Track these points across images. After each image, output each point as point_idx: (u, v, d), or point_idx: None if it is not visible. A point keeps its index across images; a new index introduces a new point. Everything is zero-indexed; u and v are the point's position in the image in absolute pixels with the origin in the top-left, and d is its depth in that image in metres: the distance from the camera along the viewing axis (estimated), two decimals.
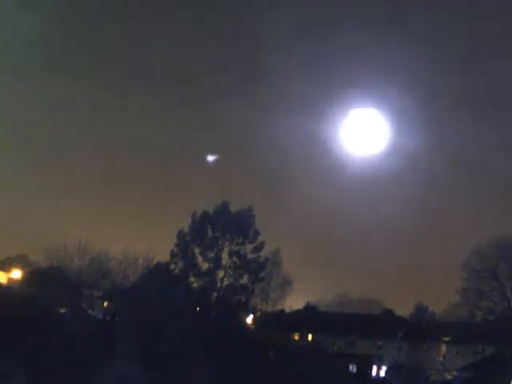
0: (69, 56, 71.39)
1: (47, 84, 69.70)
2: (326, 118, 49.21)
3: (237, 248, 47.06)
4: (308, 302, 62.68)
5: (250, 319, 52.71)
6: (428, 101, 53.66)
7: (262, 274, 48.08)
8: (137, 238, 51.86)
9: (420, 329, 54.26)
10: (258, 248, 47.31)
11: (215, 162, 50.30)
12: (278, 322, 51.34)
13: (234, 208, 47.74)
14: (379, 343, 55.09)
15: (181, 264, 46.29)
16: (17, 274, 48.04)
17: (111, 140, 73.44)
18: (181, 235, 46.77)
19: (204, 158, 52.54)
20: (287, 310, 58.74)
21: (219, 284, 46.67)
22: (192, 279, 46.41)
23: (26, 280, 44.20)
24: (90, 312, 38.95)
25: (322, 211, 52.94)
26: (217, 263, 46.58)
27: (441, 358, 52.64)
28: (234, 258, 46.91)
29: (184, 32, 68.42)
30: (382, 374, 52.05)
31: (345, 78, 51.34)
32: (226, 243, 47.08)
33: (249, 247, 47.31)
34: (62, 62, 70.76)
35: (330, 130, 44.96)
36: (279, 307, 55.65)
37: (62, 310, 35.62)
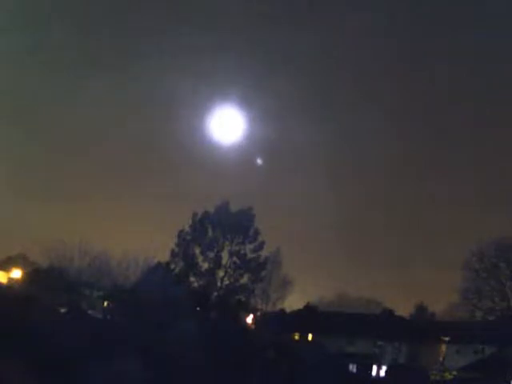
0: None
1: (47, 83, 69.91)
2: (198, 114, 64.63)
3: (237, 248, 47.12)
4: (308, 302, 62.63)
5: (250, 319, 52.69)
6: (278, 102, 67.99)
7: (262, 274, 48.11)
8: (137, 237, 51.96)
9: (420, 329, 54.27)
10: (258, 248, 47.34)
11: None
12: (278, 322, 51.28)
13: (234, 208, 47.80)
14: (379, 343, 55.00)
15: (181, 264, 46.38)
16: (17, 273, 47.99)
17: (111, 140, 73.51)
18: (181, 235, 46.86)
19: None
20: (287, 309, 58.71)
21: (219, 284, 46.73)
22: (192, 279, 46.50)
23: (25, 280, 44.17)
24: (89, 312, 38.90)
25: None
26: (217, 263, 46.63)
27: (441, 358, 52.58)
28: (234, 258, 46.97)
29: None
30: (382, 373, 51.95)
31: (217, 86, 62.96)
32: (226, 243, 47.16)
33: (249, 247, 47.40)
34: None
35: (202, 124, 58.52)
36: (279, 307, 55.60)
37: (62, 310, 35.58)
